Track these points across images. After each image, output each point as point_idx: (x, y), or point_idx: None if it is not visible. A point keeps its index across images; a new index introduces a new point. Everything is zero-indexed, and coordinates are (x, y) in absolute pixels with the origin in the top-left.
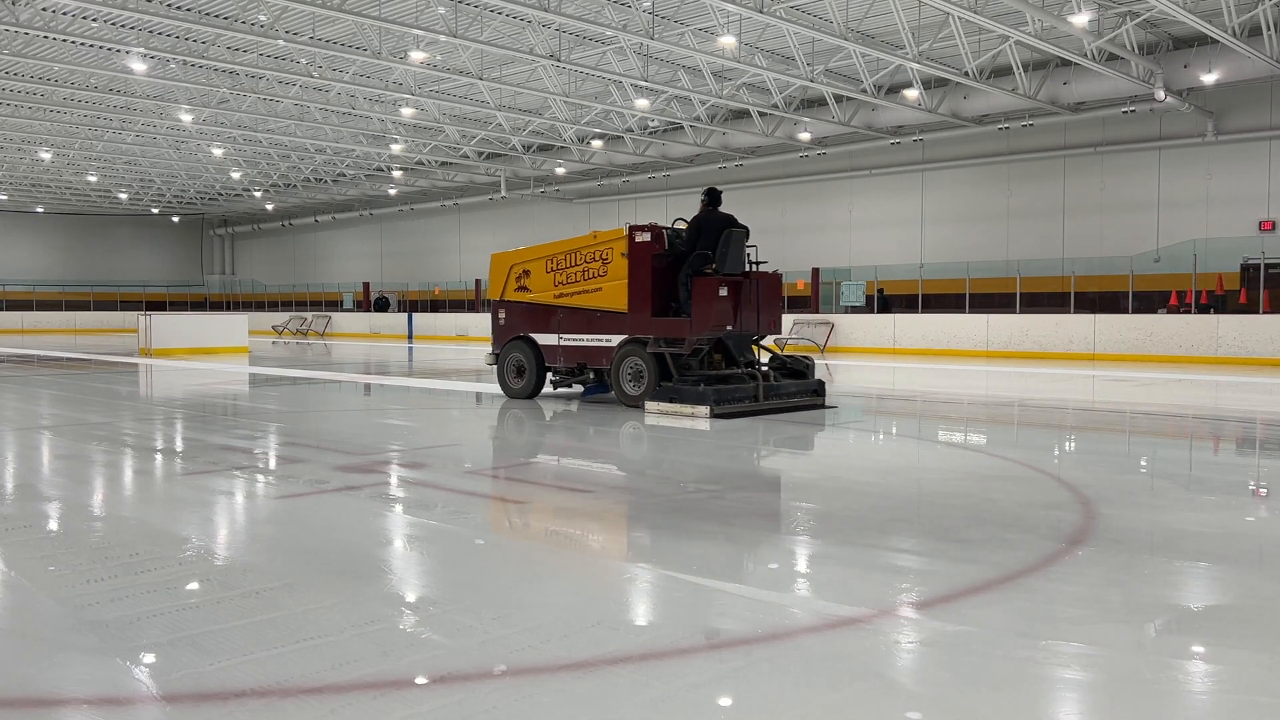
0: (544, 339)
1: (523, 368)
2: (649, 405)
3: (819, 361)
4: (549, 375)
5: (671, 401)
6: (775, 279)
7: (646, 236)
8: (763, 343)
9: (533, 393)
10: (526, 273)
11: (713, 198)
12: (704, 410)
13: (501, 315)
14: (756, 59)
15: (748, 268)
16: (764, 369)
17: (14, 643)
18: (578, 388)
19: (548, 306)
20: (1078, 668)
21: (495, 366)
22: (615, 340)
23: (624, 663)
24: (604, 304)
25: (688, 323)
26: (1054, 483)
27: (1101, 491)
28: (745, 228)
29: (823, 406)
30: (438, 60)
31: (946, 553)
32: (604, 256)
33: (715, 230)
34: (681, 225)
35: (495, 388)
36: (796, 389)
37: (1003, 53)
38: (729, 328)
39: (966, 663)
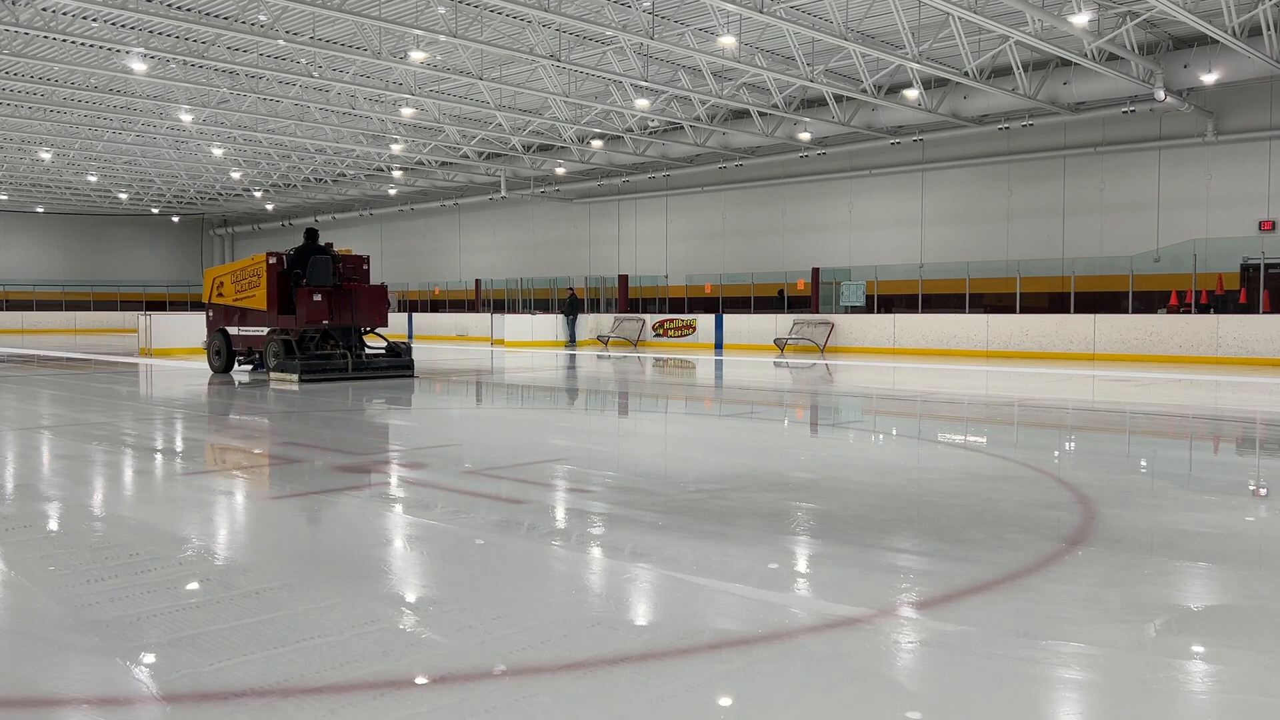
0: (232, 330)
1: (220, 351)
2: (272, 375)
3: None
4: (237, 356)
5: (282, 372)
6: (378, 289)
7: (274, 260)
8: (379, 331)
9: (226, 369)
10: (222, 283)
11: (309, 235)
12: (294, 377)
13: (210, 314)
14: (756, 59)
15: (336, 282)
16: (374, 351)
17: (14, 643)
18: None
19: (232, 308)
20: (1078, 668)
21: (206, 350)
22: (264, 331)
23: (624, 663)
24: (258, 306)
25: (294, 319)
26: (1054, 483)
27: (1101, 491)
28: (330, 255)
29: (410, 377)
30: (438, 60)
31: (946, 553)
32: (257, 273)
33: (306, 256)
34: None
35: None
36: (388, 364)
37: (1003, 53)
38: (325, 322)
39: (966, 663)
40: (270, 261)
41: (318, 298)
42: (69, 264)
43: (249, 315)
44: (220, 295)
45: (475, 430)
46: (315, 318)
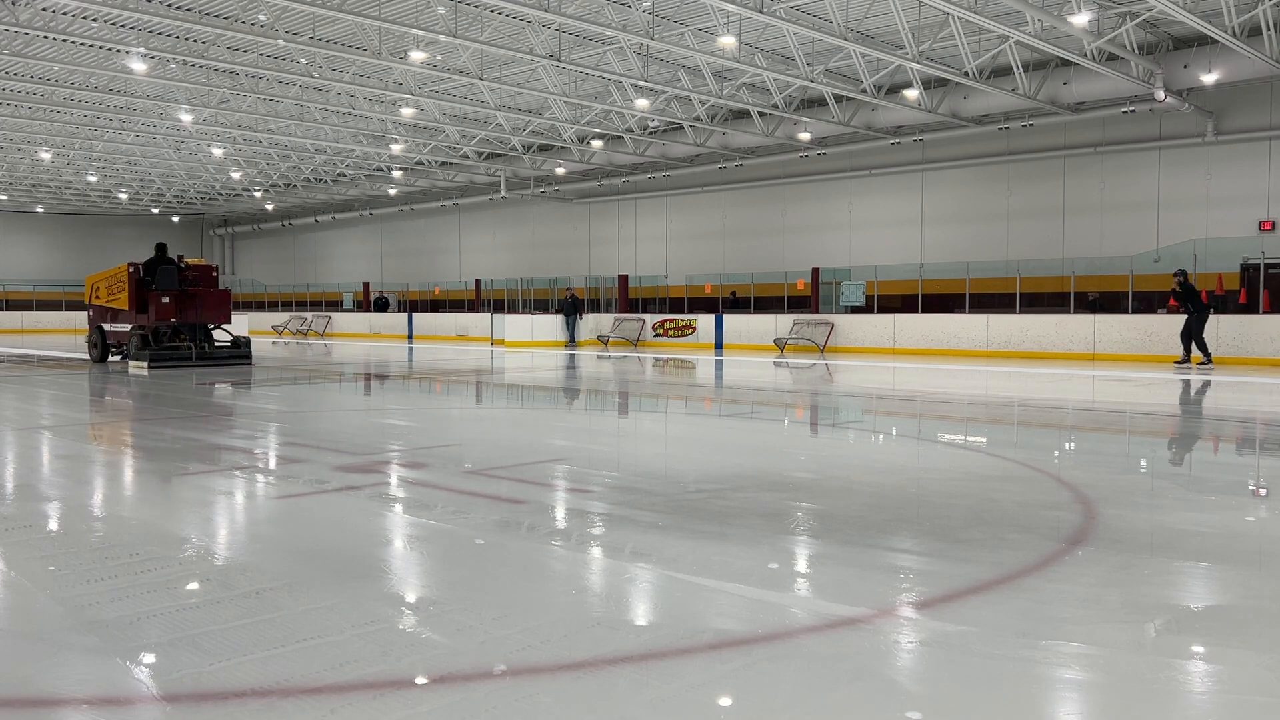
0: (107, 327)
1: (97, 344)
2: (131, 363)
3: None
4: (110, 348)
5: (136, 360)
6: (221, 293)
7: (134, 269)
8: (227, 328)
9: (102, 359)
10: (99, 288)
11: (158, 248)
12: (144, 364)
13: (90, 313)
14: (756, 59)
15: (182, 287)
16: (221, 344)
17: (14, 643)
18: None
19: (106, 308)
20: (1078, 668)
21: (87, 343)
22: (129, 327)
23: (624, 663)
24: (123, 306)
25: (147, 317)
26: (1054, 483)
27: (1101, 491)
28: (175, 265)
29: (248, 365)
30: (438, 60)
31: (946, 553)
32: (122, 280)
33: (155, 266)
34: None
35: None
36: (229, 355)
37: (1003, 53)
38: (173, 320)
39: (966, 663)
40: (130, 270)
41: (166, 300)
42: (69, 264)
43: (118, 314)
44: (97, 298)
45: (475, 430)
46: (164, 315)
